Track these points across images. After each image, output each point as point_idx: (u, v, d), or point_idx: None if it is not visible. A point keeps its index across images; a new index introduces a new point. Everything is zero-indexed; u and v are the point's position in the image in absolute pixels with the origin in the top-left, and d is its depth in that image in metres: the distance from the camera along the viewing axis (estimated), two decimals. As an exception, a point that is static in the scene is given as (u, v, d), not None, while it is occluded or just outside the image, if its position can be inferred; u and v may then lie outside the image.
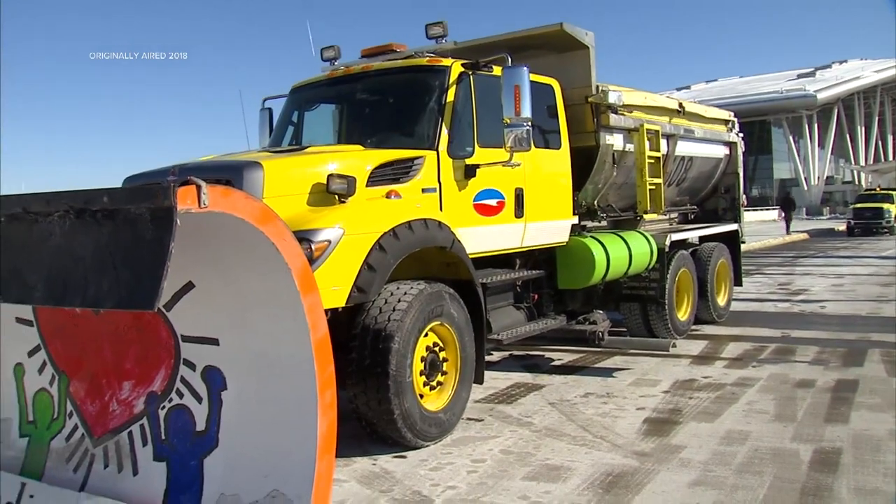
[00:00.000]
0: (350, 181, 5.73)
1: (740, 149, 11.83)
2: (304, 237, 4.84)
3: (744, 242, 12.14)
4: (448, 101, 6.82)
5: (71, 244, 2.46)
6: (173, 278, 2.26)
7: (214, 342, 3.07)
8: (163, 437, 3.28)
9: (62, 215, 2.49)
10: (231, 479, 3.07)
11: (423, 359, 5.99)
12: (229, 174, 5.40)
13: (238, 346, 3.02)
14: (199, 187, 2.33)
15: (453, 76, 6.86)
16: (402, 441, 5.89)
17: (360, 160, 6.18)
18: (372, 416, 5.73)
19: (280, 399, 2.95)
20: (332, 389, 2.94)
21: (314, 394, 2.85)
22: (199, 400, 3.16)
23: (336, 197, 5.75)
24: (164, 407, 3.28)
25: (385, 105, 7.54)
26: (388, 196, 6.15)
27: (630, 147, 8.83)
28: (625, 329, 9.87)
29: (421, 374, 5.98)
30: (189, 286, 2.95)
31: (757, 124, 58.92)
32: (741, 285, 11.91)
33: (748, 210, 37.84)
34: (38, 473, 3.62)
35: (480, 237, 6.95)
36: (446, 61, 6.97)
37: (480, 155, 6.87)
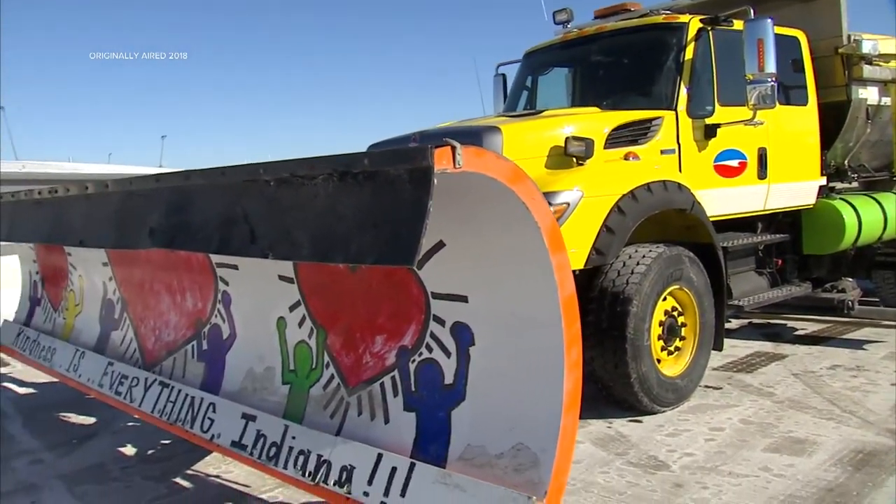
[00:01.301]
0: (588, 143, 5.74)
1: None
2: (543, 200, 4.90)
3: None
4: (686, 58, 6.65)
5: (334, 205, 2.64)
6: (425, 237, 2.37)
7: (464, 299, 3.20)
8: (412, 388, 3.46)
9: (326, 178, 2.68)
10: (477, 431, 3.20)
11: (661, 323, 5.94)
12: (469, 139, 5.55)
13: (486, 303, 3.13)
14: (454, 148, 2.43)
15: (691, 33, 6.68)
16: (637, 405, 5.88)
17: (597, 122, 6.17)
18: (608, 380, 5.75)
19: (526, 355, 3.03)
20: (578, 347, 2.98)
21: (561, 351, 2.91)
22: (448, 355, 3.30)
23: (574, 160, 5.79)
24: (414, 360, 3.45)
25: (620, 66, 7.46)
26: (626, 158, 6.11)
27: (886, 101, 8.20)
28: (877, 299, 9.26)
29: (658, 339, 5.93)
30: (440, 245, 3.09)
31: None
32: None
33: None
34: (298, 418, 3.92)
35: (721, 199, 6.75)
36: (684, 17, 6.79)
37: (721, 114, 6.66)
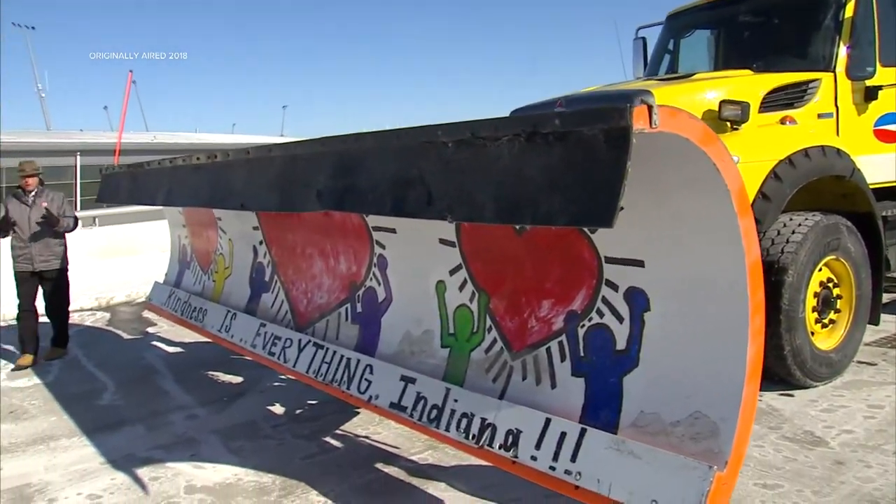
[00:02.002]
0: (744, 107, 5.55)
1: None
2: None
3: None
4: (846, 16, 6.35)
5: (520, 166, 2.61)
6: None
7: (640, 264, 3.14)
8: (581, 354, 3.43)
9: (511, 139, 2.65)
10: (651, 398, 3.15)
11: (816, 294, 5.74)
12: (619, 104, 5.45)
13: (665, 268, 3.06)
14: (650, 108, 2.37)
15: (852, -11, 6.35)
16: (789, 379, 5.71)
17: (751, 85, 5.96)
18: (760, 351, 5.57)
19: (707, 322, 2.96)
20: (762, 315, 2.89)
21: (746, 318, 2.82)
22: (621, 320, 3.26)
23: (728, 124, 5.62)
24: (583, 326, 3.42)
25: (772, 26, 7.17)
26: (782, 122, 5.90)
27: None
28: None
29: (813, 311, 5.74)
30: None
31: None
32: None
33: None
34: (459, 381, 3.95)
35: (881, 166, 6.45)
36: (844, -27, 6.45)
37: (883, 75, 6.35)
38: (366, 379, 4.38)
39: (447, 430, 3.76)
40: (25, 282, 8.25)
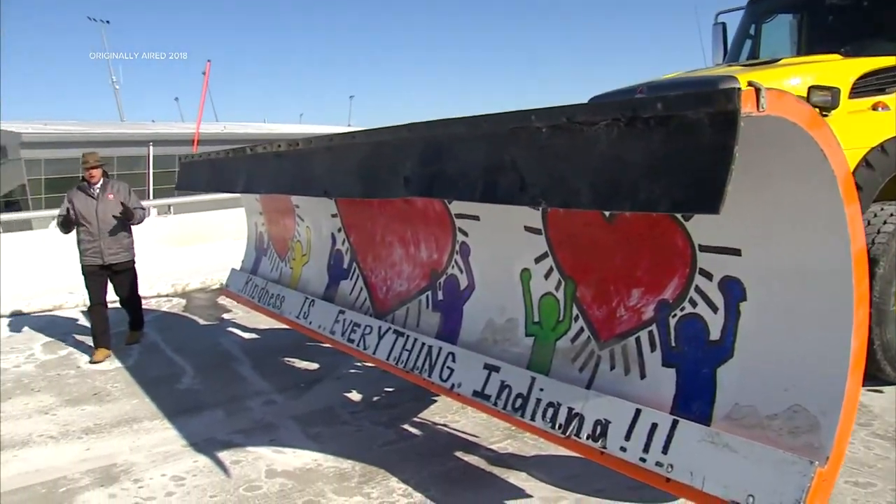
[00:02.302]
0: (833, 93, 5.39)
1: None
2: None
3: None
4: (942, -3, 6.11)
5: (619, 151, 2.57)
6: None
7: (736, 252, 3.07)
8: (672, 344, 3.38)
9: (610, 124, 2.60)
10: (747, 390, 3.08)
11: (907, 287, 5.54)
12: (727, 86, 5.34)
13: (763, 257, 2.99)
14: (758, 91, 2.30)
15: (951, -34, 6.13)
16: (879, 374, 5.57)
17: (841, 70, 5.80)
18: (847, 346, 5.43)
19: (808, 313, 2.88)
20: (866, 306, 2.81)
21: (850, 309, 2.74)
22: (715, 310, 3.19)
23: (817, 111, 5.45)
24: (675, 315, 3.36)
25: (861, 8, 6.96)
26: (874, 108, 5.72)
27: None
28: None
29: (904, 304, 5.55)
30: (718, 195, 2.96)
31: None
32: None
33: None
34: (544, 370, 3.92)
35: (977, 153, 6.19)
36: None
37: (981, 58, 6.10)
38: (448, 367, 4.38)
39: (532, 419, 3.74)
40: (94, 276, 8.04)
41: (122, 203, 7.94)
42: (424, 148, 3.52)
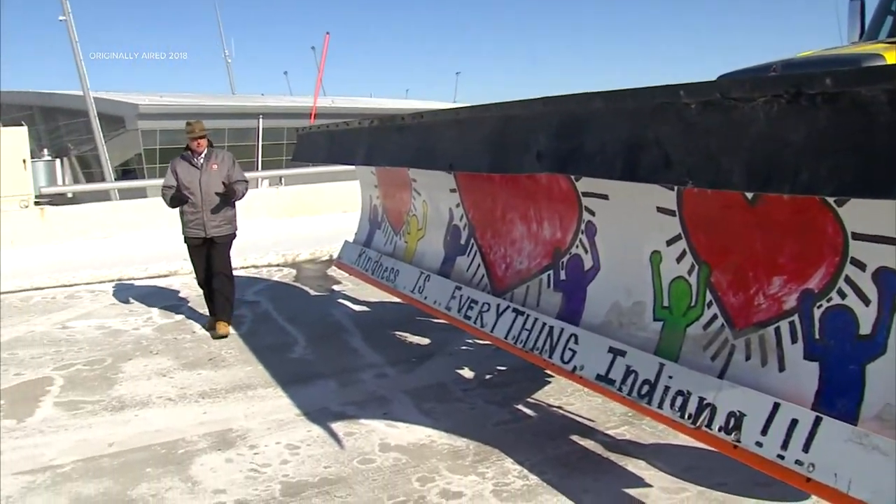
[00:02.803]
0: None
1: None
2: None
3: None
4: None
5: (779, 130, 2.43)
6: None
7: (895, 242, 2.88)
8: (816, 336, 3.21)
9: (769, 100, 2.47)
10: (900, 389, 2.90)
11: None
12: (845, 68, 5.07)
13: (928, 248, 2.80)
14: (943, 66, 2.13)
15: None
16: None
17: None
18: None
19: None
20: None
21: None
22: (867, 303, 3.01)
23: None
24: (820, 306, 3.19)
25: None
26: None
27: None
28: None
29: None
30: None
31: None
32: None
33: None
34: (672, 356, 3.79)
35: None
36: None
37: None
38: (570, 349, 4.30)
39: (660, 407, 3.63)
40: (197, 249, 7.81)
41: (226, 177, 7.65)
42: (560, 123, 3.43)
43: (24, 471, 4.76)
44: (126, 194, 18.24)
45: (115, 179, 30.18)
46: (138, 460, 4.86)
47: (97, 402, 5.93)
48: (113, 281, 10.95)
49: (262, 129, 39.69)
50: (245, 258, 11.33)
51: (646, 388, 3.74)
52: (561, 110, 3.46)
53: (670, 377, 3.66)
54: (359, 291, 9.34)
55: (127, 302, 9.52)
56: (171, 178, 7.75)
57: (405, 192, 6.87)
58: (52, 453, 5.01)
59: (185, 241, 7.88)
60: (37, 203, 13.97)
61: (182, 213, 7.77)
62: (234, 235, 7.97)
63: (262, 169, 30.76)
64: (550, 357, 4.39)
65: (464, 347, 6.91)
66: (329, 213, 15.41)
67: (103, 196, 18.62)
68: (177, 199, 7.66)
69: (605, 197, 4.32)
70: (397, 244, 7.02)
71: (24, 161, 13.78)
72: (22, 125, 15.38)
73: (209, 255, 7.80)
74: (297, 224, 14.70)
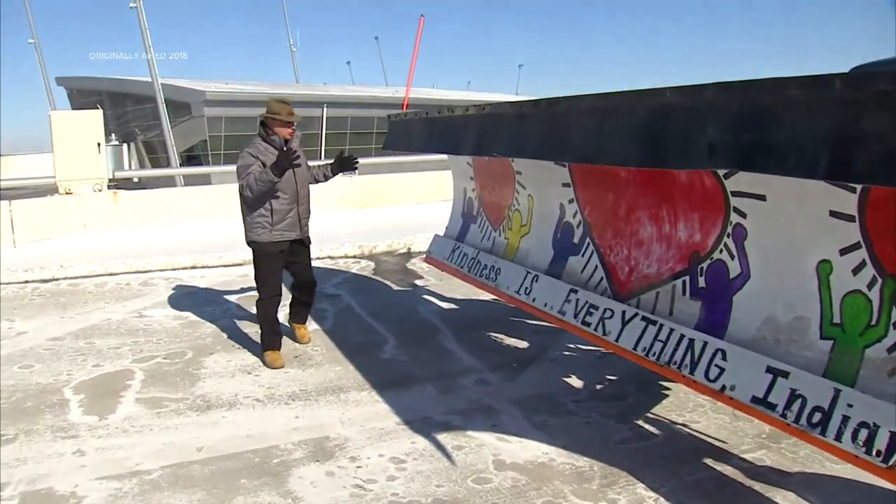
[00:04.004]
0: None
1: None
2: None
3: None
4: None
5: None
6: None
7: None
8: None
9: None
10: None
11: None
12: None
13: None
14: None
15: None
16: None
17: None
18: None
19: None
20: None
21: None
22: None
23: None
24: None
25: None
26: None
27: None
28: None
29: None
30: None
31: None
32: None
33: None
34: (848, 381, 3.34)
35: None
36: None
37: None
38: (716, 365, 3.86)
39: (838, 439, 3.19)
40: (279, 256, 6.52)
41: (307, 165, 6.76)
42: (741, 112, 3.00)
43: (110, 475, 4.47)
44: (190, 181, 18.20)
45: (180, 165, 30.41)
46: (231, 469, 4.55)
47: (181, 401, 5.64)
48: (187, 269, 10.77)
49: (326, 117, 39.69)
50: (321, 248, 11.03)
51: (818, 417, 3.30)
52: (742, 98, 3.03)
53: (849, 406, 3.21)
54: (444, 287, 8.98)
55: (203, 291, 9.29)
56: (256, 168, 6.21)
57: (507, 185, 6.47)
58: (138, 457, 4.72)
59: (266, 249, 6.43)
60: (109, 187, 13.88)
61: (272, 212, 6.34)
62: None
63: (326, 157, 30.69)
64: (692, 373, 3.96)
65: (566, 353, 6.50)
66: (402, 204, 15.12)
67: (169, 182, 18.62)
68: (271, 192, 6.25)
69: (761, 197, 3.87)
70: (496, 240, 6.62)
71: (99, 144, 13.68)
72: (98, 108, 15.32)
73: (293, 259, 6.68)
74: (370, 215, 14.44)
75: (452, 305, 8.34)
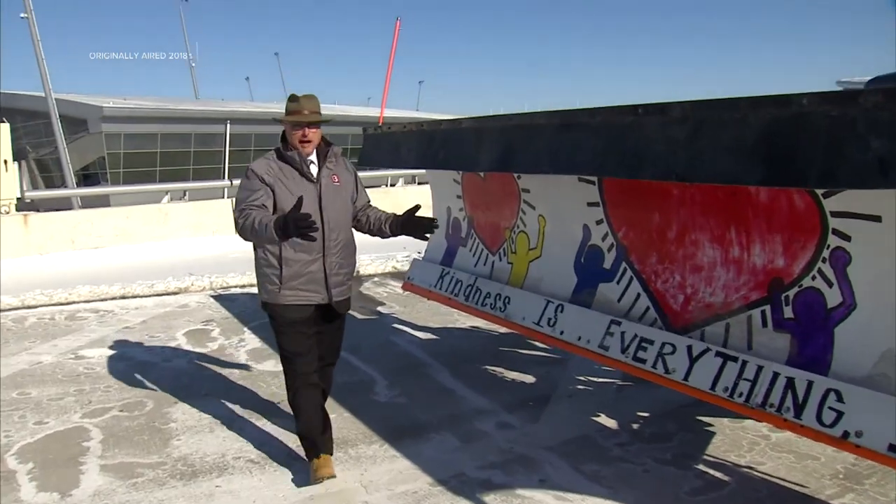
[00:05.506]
0: None
1: None
2: None
3: None
4: None
5: None
6: None
7: None
8: None
9: None
10: None
11: None
12: None
13: None
14: None
15: None
16: None
17: None
18: None
19: None
20: None
21: None
22: None
23: None
24: None
25: None
26: None
27: None
28: None
29: None
30: None
31: None
32: None
33: None
34: None
35: None
36: None
37: None
38: (830, 408, 3.41)
39: None
40: (300, 326, 4.47)
41: (351, 195, 4.67)
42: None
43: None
44: (88, 202, 17.20)
45: (77, 185, 29.12)
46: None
47: (158, 466, 4.77)
48: (116, 298, 9.93)
49: (230, 134, 38.71)
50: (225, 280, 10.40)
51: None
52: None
53: None
54: (411, 314, 8.40)
55: (142, 325, 8.46)
56: (257, 197, 4.24)
57: (507, 205, 5.93)
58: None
59: (274, 314, 4.53)
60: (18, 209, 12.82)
61: (273, 263, 4.39)
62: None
63: (230, 177, 29.82)
64: (798, 417, 3.51)
65: (580, 387, 5.99)
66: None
67: (65, 203, 17.53)
68: (268, 229, 4.02)
69: (875, 218, 3.43)
70: (495, 265, 6.08)
71: (6, 162, 12.58)
72: (3, 121, 14.12)
73: (320, 335, 4.65)
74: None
75: (430, 335, 7.72)
